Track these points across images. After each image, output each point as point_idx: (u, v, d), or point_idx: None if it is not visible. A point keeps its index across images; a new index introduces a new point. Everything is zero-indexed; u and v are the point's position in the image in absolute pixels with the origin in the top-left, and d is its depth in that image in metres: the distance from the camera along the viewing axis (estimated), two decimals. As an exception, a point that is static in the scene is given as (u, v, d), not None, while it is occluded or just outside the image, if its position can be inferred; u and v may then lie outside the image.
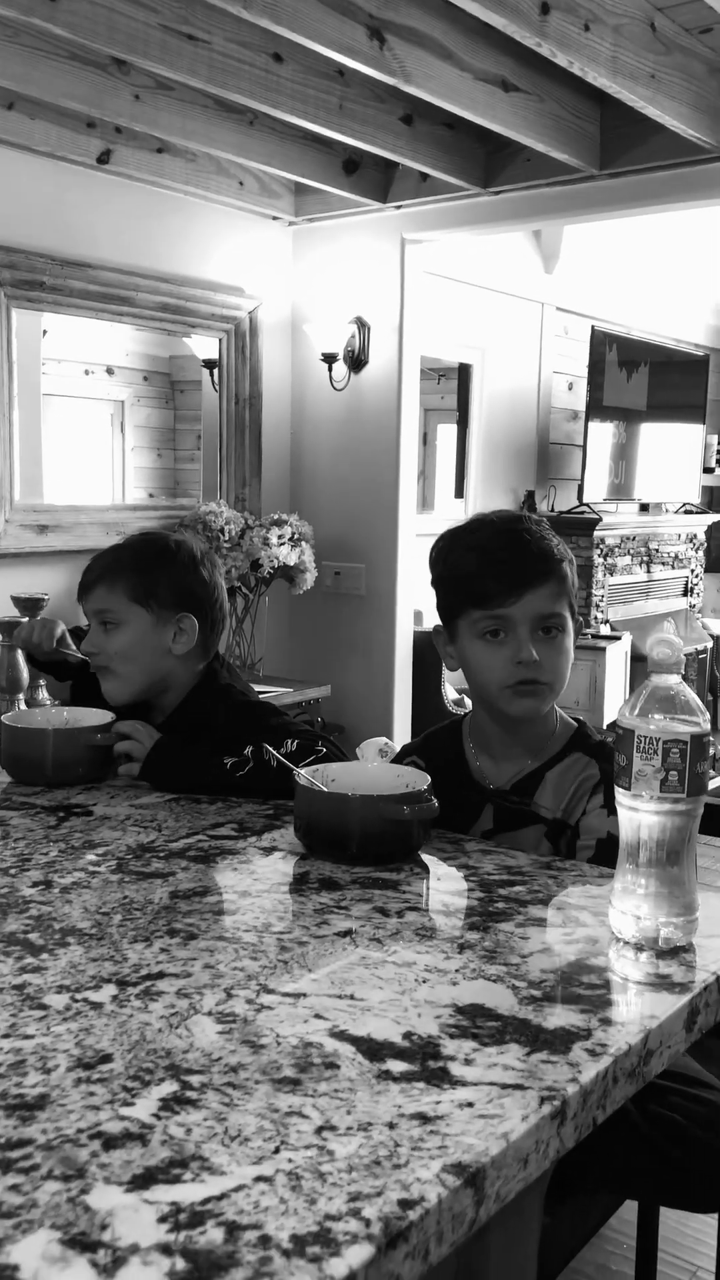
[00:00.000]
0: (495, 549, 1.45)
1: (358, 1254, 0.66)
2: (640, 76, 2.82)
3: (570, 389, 5.50)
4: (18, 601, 3.29)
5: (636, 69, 2.81)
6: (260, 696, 1.94)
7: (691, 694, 1.09)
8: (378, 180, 3.78)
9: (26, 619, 2.13)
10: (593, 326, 5.18)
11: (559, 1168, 1.16)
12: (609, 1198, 1.39)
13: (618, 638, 4.97)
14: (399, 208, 3.81)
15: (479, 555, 1.46)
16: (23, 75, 2.83)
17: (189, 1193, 0.71)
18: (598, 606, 5.27)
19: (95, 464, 5.07)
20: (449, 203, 3.72)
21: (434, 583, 1.53)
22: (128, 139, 3.39)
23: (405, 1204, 0.70)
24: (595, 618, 5.23)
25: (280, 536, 3.58)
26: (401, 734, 3.93)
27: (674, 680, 1.09)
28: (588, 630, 5.01)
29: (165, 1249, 0.66)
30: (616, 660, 4.89)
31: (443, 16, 2.75)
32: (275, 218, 3.97)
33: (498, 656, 1.45)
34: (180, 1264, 0.64)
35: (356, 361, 3.93)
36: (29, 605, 3.29)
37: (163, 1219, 0.68)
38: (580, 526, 5.18)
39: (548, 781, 1.50)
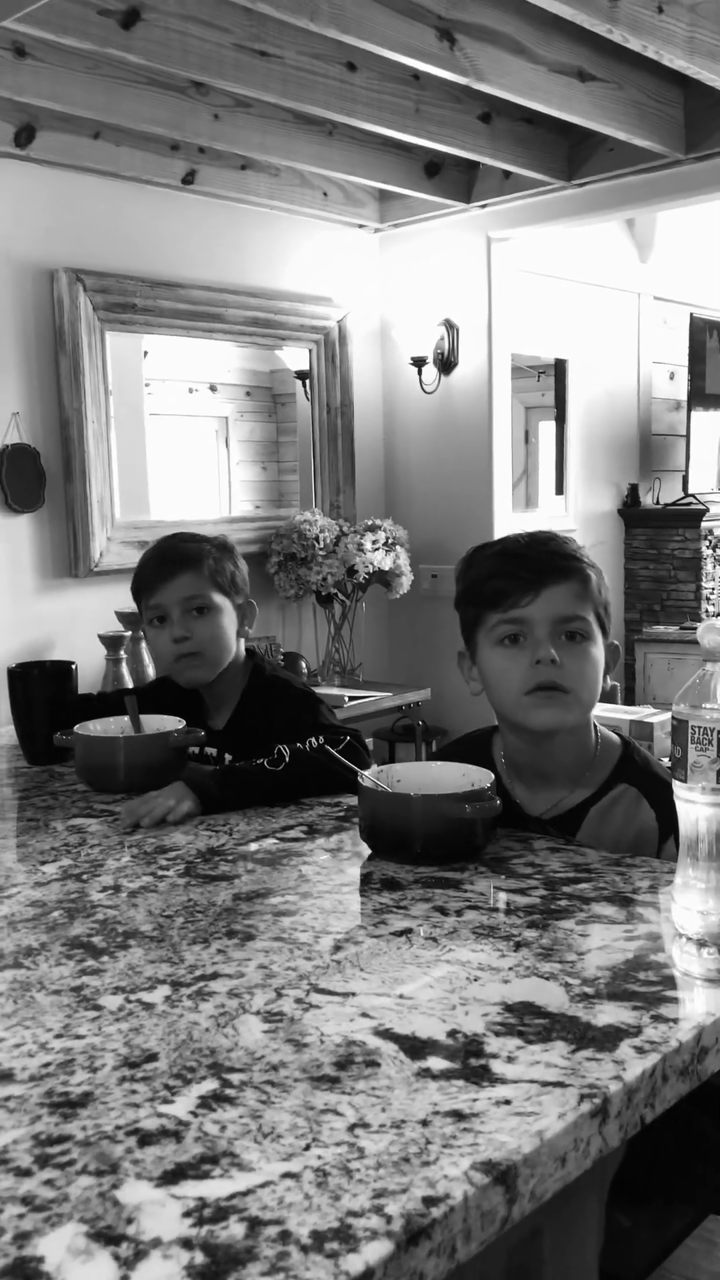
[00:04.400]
0: (514, 549, 1.39)
1: (376, 1250, 0.65)
2: None
3: (671, 379, 5.39)
4: (121, 616, 3.38)
5: (715, 48, 2.74)
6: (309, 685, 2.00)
7: (749, 682, 1.05)
8: (460, 181, 3.77)
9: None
10: (691, 314, 5.07)
11: (635, 1172, 1.14)
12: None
13: (730, 631, 4.84)
14: (483, 207, 3.79)
15: (497, 558, 1.40)
16: (106, 105, 2.91)
17: (216, 1188, 0.71)
18: (708, 599, 5.14)
19: (203, 480, 5.17)
20: (534, 198, 3.69)
21: (456, 603, 1.45)
22: (211, 158, 3.45)
23: (429, 1201, 0.69)
24: (706, 611, 5.10)
25: (374, 542, 3.60)
26: (506, 736, 3.90)
27: (730, 668, 1.06)
28: (697, 624, 4.89)
29: (186, 1243, 0.66)
30: (729, 654, 4.76)
31: (512, 11, 2.73)
32: (360, 225, 3.99)
33: (515, 662, 1.36)
34: (199, 1258, 0.65)
35: (446, 363, 3.92)
36: (131, 620, 3.38)
37: (187, 1214, 0.69)
38: (687, 518, 5.07)
39: (591, 818, 1.40)
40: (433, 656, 4.02)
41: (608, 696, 1.45)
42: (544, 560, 1.37)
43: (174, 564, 1.81)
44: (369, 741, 3.91)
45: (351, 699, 3.54)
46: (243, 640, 1.87)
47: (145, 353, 3.97)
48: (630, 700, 4.79)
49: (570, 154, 3.55)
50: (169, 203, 3.49)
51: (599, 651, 1.39)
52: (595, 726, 1.45)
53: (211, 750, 1.81)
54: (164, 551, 1.85)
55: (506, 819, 1.39)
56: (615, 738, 1.47)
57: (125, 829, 1.48)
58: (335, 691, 3.59)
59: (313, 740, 1.57)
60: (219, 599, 1.82)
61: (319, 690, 2.28)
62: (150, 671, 3.38)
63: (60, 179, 3.23)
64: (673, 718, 1.06)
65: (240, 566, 1.88)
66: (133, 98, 2.96)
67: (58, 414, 3.27)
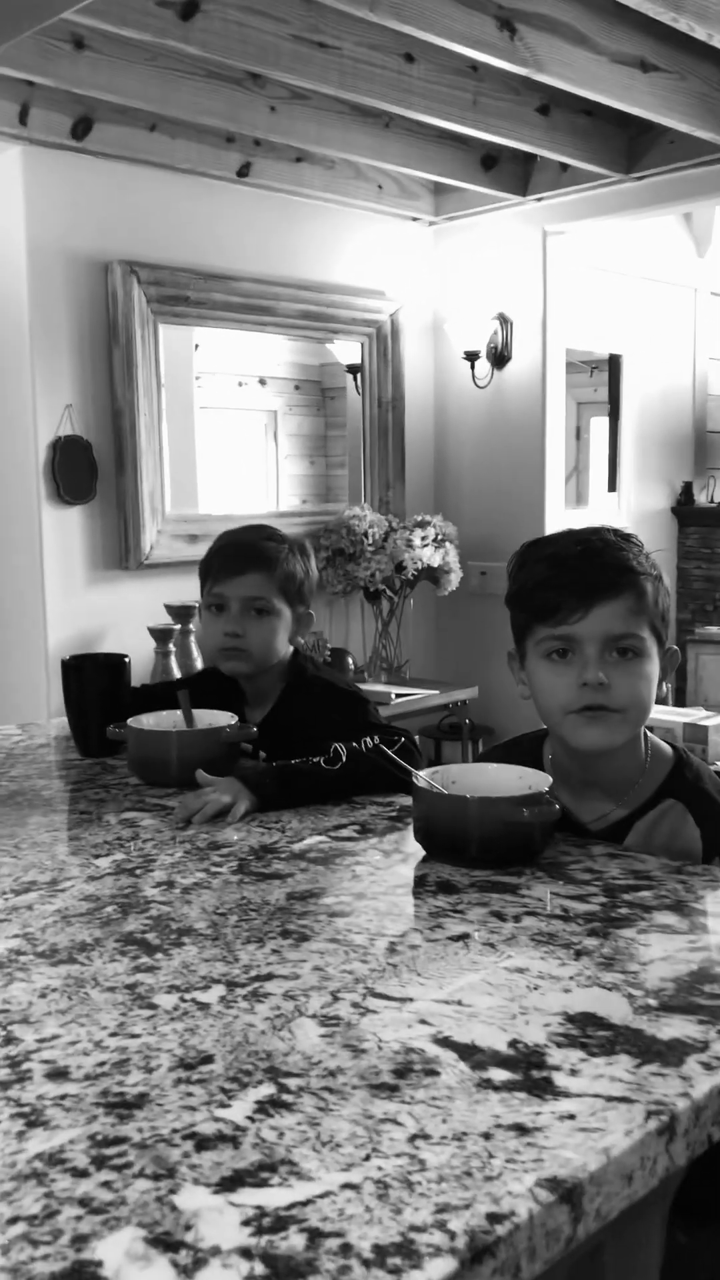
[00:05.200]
0: (566, 558, 1.32)
1: (439, 1268, 0.64)
2: (786, 44, 2.69)
3: (728, 375, 5.31)
4: (170, 609, 3.39)
5: (782, 37, 2.68)
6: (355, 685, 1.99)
7: None
8: (517, 173, 3.74)
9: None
10: (750, 310, 4.99)
11: (700, 1186, 1.11)
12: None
13: (783, 632, 4.77)
14: (540, 200, 3.75)
15: (548, 565, 1.33)
16: (162, 97, 2.91)
17: (275, 1197, 0.70)
18: (761, 600, 5.06)
19: (251, 473, 5.17)
20: (591, 191, 3.65)
21: (506, 600, 1.41)
22: (266, 151, 3.44)
23: (494, 1218, 0.68)
24: (759, 612, 5.03)
25: (424, 538, 3.57)
26: (554, 735, 3.86)
27: None
28: (750, 625, 4.82)
29: (246, 1253, 0.65)
30: (782, 656, 4.69)
31: (573, 0, 2.69)
32: (415, 218, 3.97)
33: (562, 679, 1.31)
34: (259, 1268, 0.64)
35: (499, 358, 3.89)
36: (180, 613, 3.39)
37: (246, 1222, 0.68)
38: (741, 518, 5.00)
39: (636, 833, 1.36)
40: (481, 654, 3.99)
41: (660, 701, 1.40)
42: (595, 575, 1.30)
43: (246, 560, 1.80)
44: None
45: (398, 696, 3.52)
46: (291, 646, 1.86)
47: (196, 345, 3.98)
48: (681, 701, 4.73)
49: (629, 146, 3.50)
50: (224, 195, 3.48)
51: (652, 667, 1.33)
52: (646, 736, 1.41)
53: (247, 745, 1.81)
54: (241, 545, 1.83)
55: (559, 827, 1.36)
56: (668, 749, 1.42)
57: (178, 824, 1.47)
58: (382, 688, 3.58)
59: (368, 740, 1.55)
60: (280, 604, 1.80)
61: (365, 687, 2.27)
62: (199, 664, 3.38)
63: (116, 171, 3.23)
64: (742, 723, 1.03)
65: (311, 574, 1.86)
66: (189, 90, 2.95)
67: (110, 406, 3.28)
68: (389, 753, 1.42)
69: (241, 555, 1.81)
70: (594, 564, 1.32)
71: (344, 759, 1.55)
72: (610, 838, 1.38)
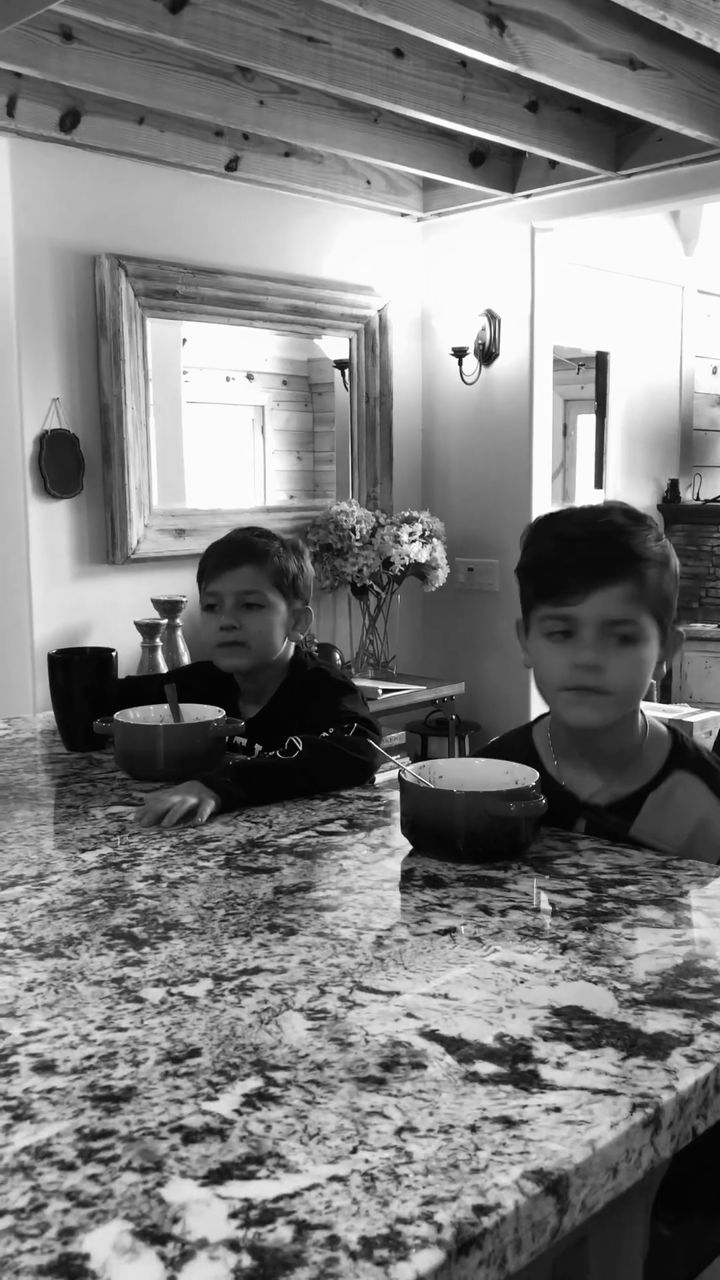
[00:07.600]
0: (573, 540, 1.34)
1: (426, 1259, 0.64)
2: (774, 43, 2.70)
3: (715, 373, 5.33)
4: (157, 604, 3.39)
5: (770, 36, 2.69)
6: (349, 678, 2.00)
7: None
8: (505, 170, 3.74)
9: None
10: (736, 308, 5.01)
11: (682, 1180, 1.12)
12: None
13: (768, 629, 4.78)
14: (528, 197, 3.76)
15: (556, 544, 1.35)
16: (150, 89, 2.90)
17: (262, 1190, 0.70)
18: (747, 598, 5.08)
19: (238, 468, 5.17)
20: (579, 188, 3.65)
21: (516, 570, 1.43)
22: (255, 145, 3.43)
23: (481, 1210, 0.68)
24: (744, 609, 5.05)
25: (411, 534, 3.58)
26: (540, 731, 3.87)
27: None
28: (735, 622, 4.84)
29: (233, 1245, 0.65)
30: (767, 653, 4.71)
31: (563, -3, 2.69)
32: (403, 214, 3.96)
33: (559, 658, 1.33)
34: (246, 1260, 0.64)
35: (487, 354, 3.89)
36: (167, 608, 3.39)
37: (234, 1215, 0.68)
38: (727, 515, 5.01)
39: (650, 806, 1.37)
40: (467, 650, 4.00)
41: (656, 678, 1.42)
42: (598, 561, 1.31)
43: (237, 555, 1.83)
44: (401, 734, 3.90)
45: (385, 692, 3.53)
46: (291, 642, 1.87)
47: (184, 340, 3.97)
48: (666, 698, 4.74)
49: (618, 144, 3.50)
50: (212, 189, 3.47)
51: (649, 651, 1.35)
52: (642, 712, 1.43)
53: (242, 739, 1.81)
54: (232, 541, 1.88)
55: (556, 803, 1.37)
56: (663, 727, 1.45)
57: (145, 826, 1.46)
58: (369, 684, 3.58)
59: (325, 732, 1.57)
60: (273, 598, 1.83)
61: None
62: (185, 659, 3.38)
63: (104, 164, 3.22)
64: (728, 719, 1.04)
65: (305, 571, 1.90)
66: (178, 83, 2.94)
67: (97, 400, 3.27)
68: (343, 739, 1.43)
69: (232, 551, 1.85)
70: (598, 548, 1.33)
71: (300, 749, 1.56)
72: (621, 812, 1.39)
